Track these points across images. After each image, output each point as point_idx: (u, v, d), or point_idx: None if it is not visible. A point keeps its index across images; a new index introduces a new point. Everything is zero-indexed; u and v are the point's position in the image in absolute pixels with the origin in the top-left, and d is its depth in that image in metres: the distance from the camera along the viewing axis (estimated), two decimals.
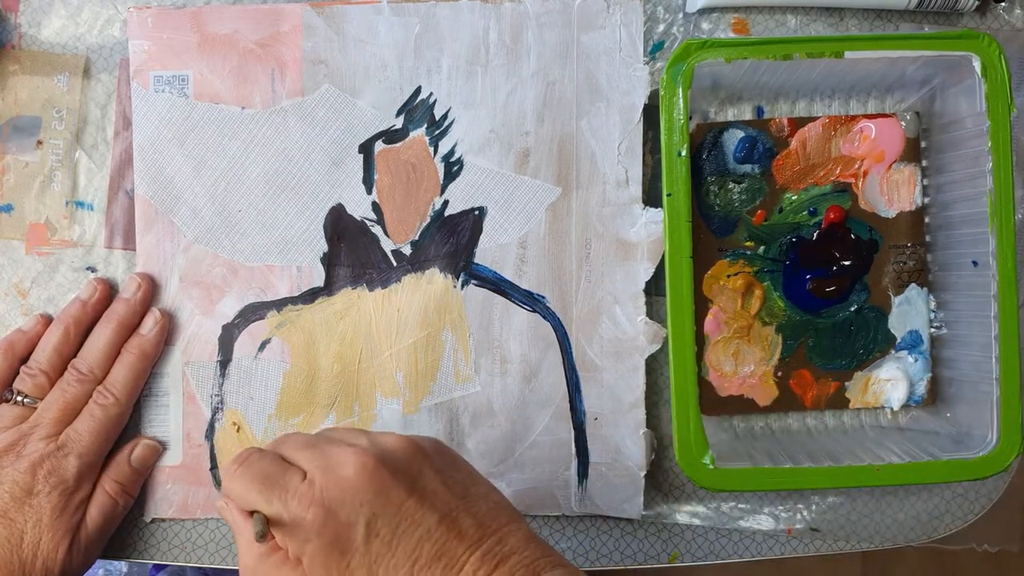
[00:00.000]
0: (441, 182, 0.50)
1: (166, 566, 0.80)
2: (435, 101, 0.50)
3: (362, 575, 0.35)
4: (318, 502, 0.35)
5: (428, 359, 0.50)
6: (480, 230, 0.50)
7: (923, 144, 0.51)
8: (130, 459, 0.48)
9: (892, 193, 0.51)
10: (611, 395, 0.50)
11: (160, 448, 0.49)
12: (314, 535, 0.35)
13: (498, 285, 0.50)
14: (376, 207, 0.50)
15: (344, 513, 0.35)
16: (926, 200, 0.51)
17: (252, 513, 0.37)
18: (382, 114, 0.50)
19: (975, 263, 0.48)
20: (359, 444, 0.38)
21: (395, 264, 0.50)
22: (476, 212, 0.50)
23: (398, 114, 0.50)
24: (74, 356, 0.48)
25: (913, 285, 0.51)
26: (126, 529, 0.50)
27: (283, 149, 0.50)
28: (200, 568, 0.74)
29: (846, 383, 0.51)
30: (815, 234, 0.51)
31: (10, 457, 0.45)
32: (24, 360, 0.48)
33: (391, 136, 0.50)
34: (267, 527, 0.35)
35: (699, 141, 0.50)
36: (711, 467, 0.46)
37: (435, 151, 0.50)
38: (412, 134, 0.50)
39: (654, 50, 0.50)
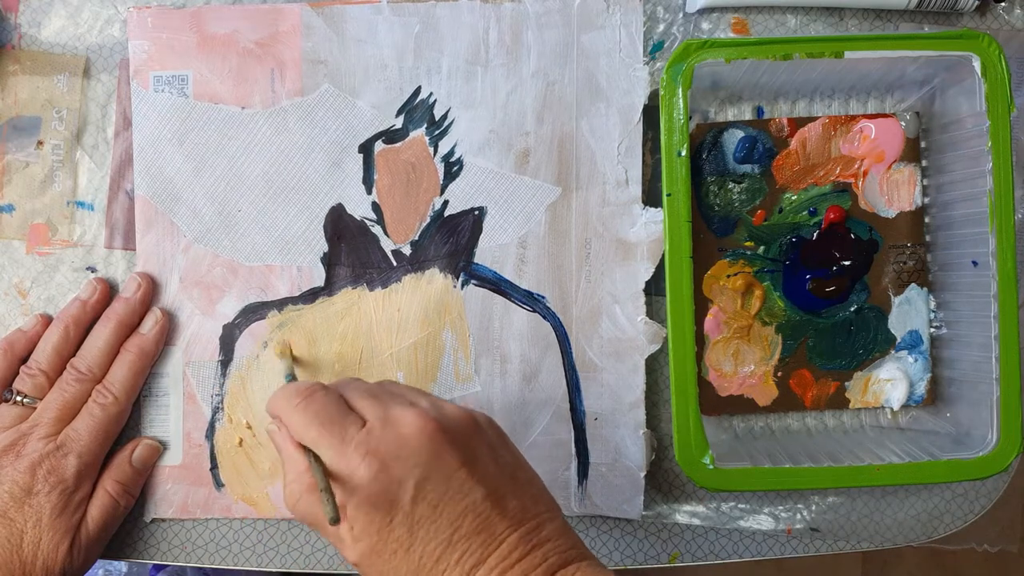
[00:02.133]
0: (441, 182, 0.50)
1: (166, 566, 0.80)
2: (435, 101, 0.50)
3: (402, 533, 0.36)
4: (373, 453, 0.36)
5: (428, 359, 0.50)
6: (480, 230, 0.50)
7: (923, 144, 0.51)
8: (131, 459, 0.48)
9: (892, 193, 0.51)
10: (611, 395, 0.50)
11: (161, 448, 0.49)
12: (364, 485, 0.36)
13: (498, 285, 0.50)
14: (376, 207, 0.50)
15: (397, 469, 0.36)
16: (926, 200, 0.51)
17: (306, 449, 0.37)
18: (382, 114, 0.50)
19: (975, 263, 0.48)
20: (420, 405, 0.38)
21: (395, 264, 0.50)
22: (476, 212, 0.50)
23: (398, 114, 0.50)
24: (74, 356, 0.48)
25: (913, 285, 0.51)
26: (126, 529, 0.50)
27: (283, 149, 0.50)
28: (200, 568, 0.75)
29: (846, 383, 0.51)
30: (815, 234, 0.51)
31: (10, 457, 0.45)
32: (24, 360, 0.48)
33: (391, 136, 0.50)
34: (337, 510, 0.35)
35: (699, 141, 0.50)
36: (711, 467, 0.46)
37: (435, 151, 0.50)
38: (412, 134, 0.50)
39: (654, 50, 0.50)
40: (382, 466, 0.36)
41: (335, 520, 0.35)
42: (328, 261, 0.50)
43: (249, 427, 0.49)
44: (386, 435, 0.36)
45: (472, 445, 0.38)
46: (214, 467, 0.50)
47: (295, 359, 0.48)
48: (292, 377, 0.46)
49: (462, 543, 0.35)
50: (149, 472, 0.49)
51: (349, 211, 0.50)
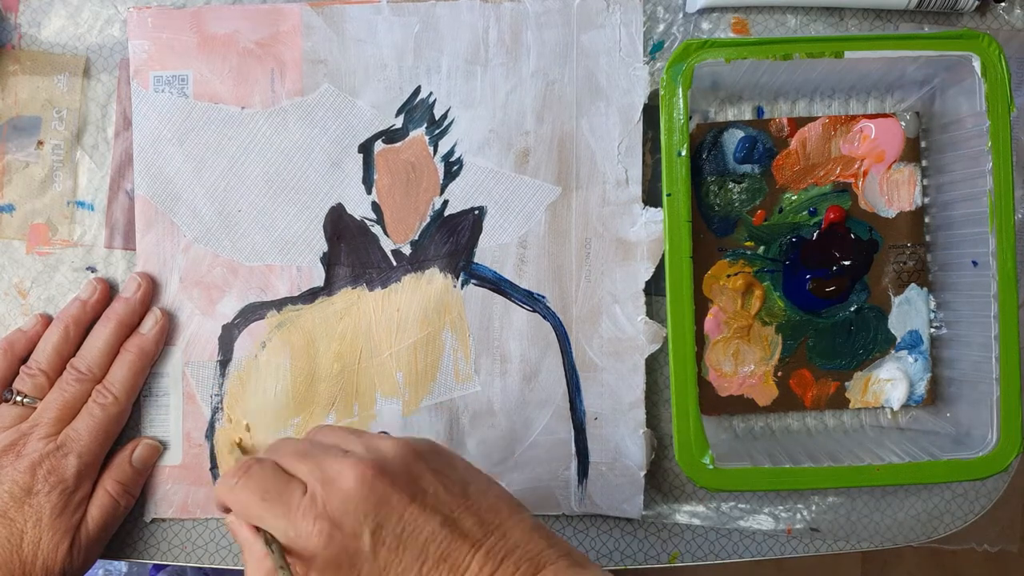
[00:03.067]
0: (441, 182, 0.50)
1: (166, 566, 0.80)
2: (435, 101, 0.50)
3: None
4: (321, 516, 0.35)
5: (428, 359, 0.50)
6: (480, 230, 0.50)
7: (923, 144, 0.51)
8: (131, 459, 0.48)
9: (892, 193, 0.51)
10: (611, 395, 0.50)
11: (161, 448, 0.49)
12: (321, 549, 0.35)
13: (498, 285, 0.50)
14: (376, 207, 0.50)
15: (348, 525, 0.35)
16: (926, 200, 0.51)
17: (258, 529, 0.37)
18: (382, 114, 0.50)
19: (975, 263, 0.48)
20: (355, 451, 0.38)
21: (395, 264, 0.50)
22: (476, 212, 0.50)
23: (398, 114, 0.50)
24: (74, 356, 0.48)
25: (913, 285, 0.51)
26: (126, 529, 0.50)
27: (283, 149, 0.50)
28: (200, 568, 0.75)
29: (846, 383, 0.51)
30: (815, 234, 0.51)
31: (10, 457, 0.45)
32: (24, 360, 0.48)
33: (391, 136, 0.50)
34: (288, 568, 0.35)
35: (699, 141, 0.50)
36: (711, 467, 0.46)
37: (435, 151, 0.50)
38: (412, 134, 0.50)
39: (654, 50, 0.50)
40: (334, 526, 0.35)
41: (272, 543, 0.35)
42: (328, 261, 0.50)
43: (248, 428, 0.49)
44: (329, 495, 0.36)
45: (415, 477, 0.37)
46: (214, 467, 0.50)
47: (243, 450, 0.47)
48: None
49: (432, 574, 0.35)
50: (149, 472, 0.49)
51: (349, 211, 0.50)
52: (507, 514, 0.37)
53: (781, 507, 0.51)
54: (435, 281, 0.50)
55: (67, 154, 0.50)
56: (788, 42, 0.47)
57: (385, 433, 0.40)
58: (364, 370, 0.50)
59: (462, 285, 0.50)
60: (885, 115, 0.50)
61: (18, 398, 0.47)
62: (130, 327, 0.48)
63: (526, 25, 0.50)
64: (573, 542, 0.51)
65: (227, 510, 0.39)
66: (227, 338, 0.50)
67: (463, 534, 0.36)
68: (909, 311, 0.51)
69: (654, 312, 0.50)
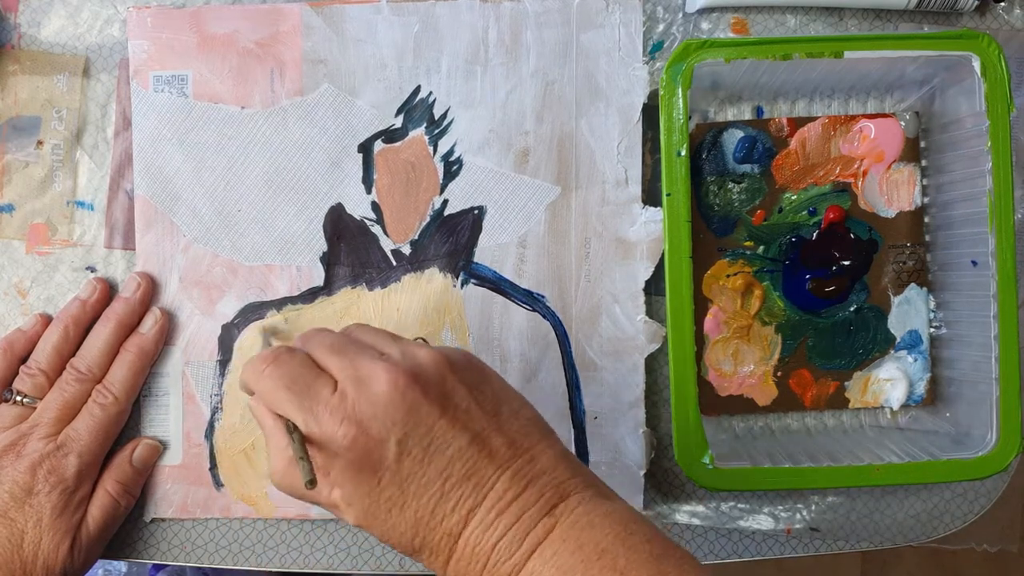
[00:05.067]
0: (440, 181, 0.50)
1: (166, 566, 0.80)
2: (434, 100, 0.50)
3: (393, 492, 0.35)
4: (350, 418, 0.35)
5: None
6: (480, 229, 0.50)
7: (923, 144, 0.51)
8: (131, 459, 0.48)
9: (892, 193, 0.51)
10: (611, 394, 0.50)
11: (160, 448, 0.49)
12: (344, 450, 0.35)
13: (498, 284, 0.50)
14: (375, 206, 0.50)
15: (375, 430, 0.35)
16: (926, 200, 0.51)
17: (282, 417, 0.36)
18: (381, 113, 0.50)
19: (975, 263, 0.48)
20: (390, 355, 0.37)
21: (395, 263, 0.50)
22: (475, 211, 0.50)
23: (397, 113, 0.50)
24: (73, 356, 0.48)
25: (913, 285, 0.51)
26: (126, 529, 0.50)
27: (282, 149, 0.50)
28: (200, 568, 0.74)
29: (846, 383, 0.51)
30: (815, 234, 0.51)
31: (10, 457, 0.45)
32: (24, 360, 0.48)
33: (390, 135, 0.50)
34: (314, 475, 0.34)
35: (699, 141, 0.50)
36: (711, 467, 0.46)
37: (434, 150, 0.50)
38: (411, 133, 0.50)
39: (654, 50, 0.50)
40: (360, 429, 0.35)
41: (311, 484, 0.34)
42: (327, 261, 0.50)
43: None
44: (359, 396, 0.35)
45: (448, 390, 0.36)
46: (213, 467, 0.50)
47: (272, 331, 0.46)
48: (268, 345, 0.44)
49: (455, 491, 0.35)
50: (149, 472, 0.49)
51: (349, 211, 0.50)
52: (537, 438, 0.37)
53: (781, 507, 0.51)
54: (435, 281, 0.50)
55: (67, 154, 0.50)
56: (788, 42, 0.47)
57: (423, 340, 0.39)
58: None
59: (462, 285, 0.50)
60: (885, 115, 0.50)
61: (18, 398, 0.47)
62: (130, 327, 0.48)
63: (526, 25, 0.50)
64: None
65: (251, 393, 0.38)
66: (227, 338, 0.50)
67: (491, 453, 0.36)
68: (909, 311, 0.51)
69: (654, 312, 0.50)
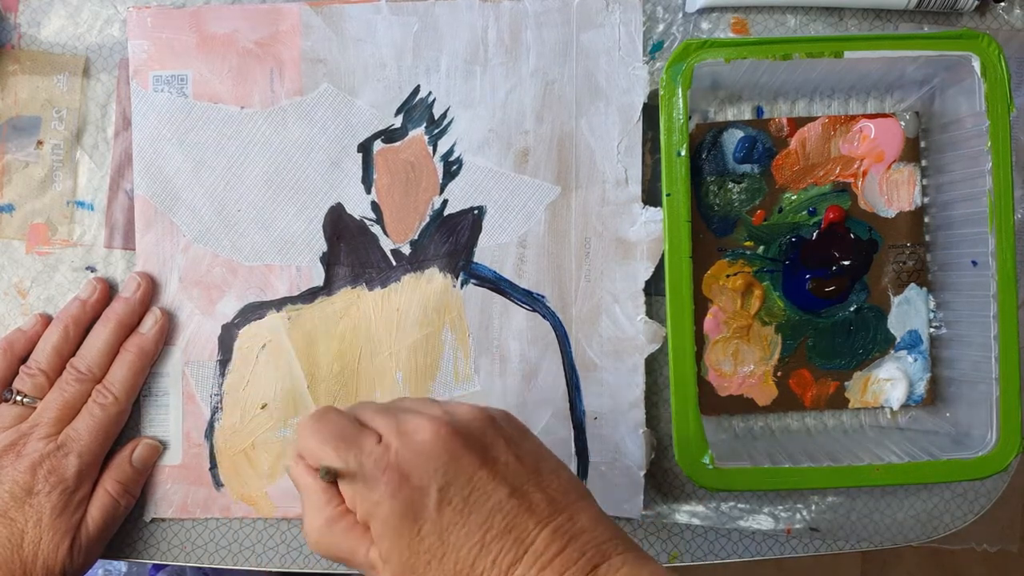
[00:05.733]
0: (440, 181, 0.50)
1: (166, 566, 0.80)
2: (434, 100, 0.50)
3: (432, 542, 0.35)
4: (393, 465, 0.35)
5: (428, 358, 0.50)
6: (479, 229, 0.50)
7: (923, 144, 0.51)
8: (131, 459, 0.48)
9: (892, 193, 0.51)
10: (611, 394, 0.50)
11: (160, 448, 0.49)
12: (387, 498, 0.35)
13: (497, 284, 0.50)
14: (375, 206, 0.50)
15: (417, 478, 0.35)
16: (926, 200, 0.51)
17: (320, 471, 0.36)
18: (381, 113, 0.50)
19: (974, 263, 0.48)
20: (433, 413, 0.38)
21: (394, 263, 0.50)
22: (475, 211, 0.50)
23: (397, 113, 0.50)
24: (73, 356, 0.48)
25: (912, 285, 0.51)
26: (126, 529, 0.50)
27: (282, 148, 0.50)
28: (200, 568, 0.74)
29: (846, 383, 0.51)
30: (815, 234, 0.51)
31: (10, 457, 0.45)
32: (24, 360, 0.48)
33: (390, 135, 0.50)
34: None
35: (699, 141, 0.50)
36: (710, 467, 0.46)
37: (434, 150, 0.50)
38: (411, 133, 0.50)
39: (654, 50, 0.50)
40: (402, 478, 0.35)
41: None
42: (327, 261, 0.50)
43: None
44: (403, 445, 0.36)
45: (489, 443, 0.37)
46: (213, 467, 0.50)
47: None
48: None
49: (495, 544, 0.35)
50: (149, 472, 0.49)
51: (348, 211, 0.50)
52: (575, 498, 0.37)
53: (781, 507, 0.51)
54: (435, 281, 0.50)
55: (67, 154, 0.50)
56: (788, 42, 0.47)
57: (464, 403, 0.40)
58: (364, 370, 0.50)
59: (462, 285, 0.50)
60: (885, 115, 0.50)
61: (18, 398, 0.47)
62: (130, 327, 0.48)
63: (525, 24, 0.50)
64: None
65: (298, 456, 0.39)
66: (227, 338, 0.50)
67: (531, 508, 0.36)
68: (909, 311, 0.51)
69: (654, 312, 0.50)
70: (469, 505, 0.35)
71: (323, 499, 0.37)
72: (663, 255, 0.48)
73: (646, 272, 0.50)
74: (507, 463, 0.37)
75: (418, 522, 0.35)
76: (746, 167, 0.50)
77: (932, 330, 0.51)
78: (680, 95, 0.46)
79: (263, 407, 0.49)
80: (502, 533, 0.35)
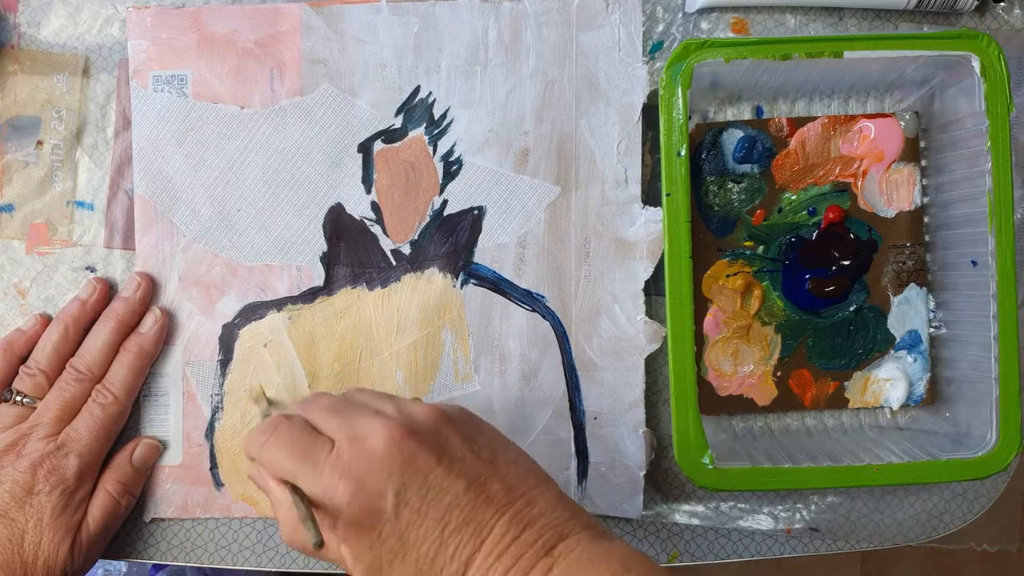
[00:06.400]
0: (440, 181, 0.50)
1: (166, 566, 0.80)
2: (434, 100, 0.50)
3: (393, 543, 0.35)
4: (347, 474, 0.36)
5: (427, 358, 0.50)
6: (479, 229, 0.50)
7: (922, 144, 0.51)
8: (131, 459, 0.48)
9: (891, 193, 0.51)
10: (611, 394, 0.50)
11: (161, 447, 0.49)
12: (344, 507, 0.35)
13: (497, 284, 0.50)
14: (375, 206, 0.50)
15: (373, 484, 0.35)
16: (925, 200, 0.51)
17: (285, 481, 0.37)
18: (381, 113, 0.50)
19: (974, 263, 0.48)
20: (386, 412, 0.38)
21: (394, 263, 0.50)
22: (475, 211, 0.50)
23: (397, 113, 0.50)
24: (73, 356, 0.48)
25: (912, 285, 0.51)
26: (126, 529, 0.50)
27: (282, 149, 0.50)
28: (200, 568, 0.74)
29: (845, 383, 0.51)
30: (814, 234, 0.51)
31: (10, 457, 0.45)
32: (23, 360, 0.48)
33: (390, 135, 0.50)
34: (320, 536, 0.35)
35: (698, 141, 0.50)
36: (710, 467, 0.46)
37: (434, 150, 0.50)
38: (411, 133, 0.50)
39: (653, 50, 0.50)
40: (358, 484, 0.35)
41: (319, 545, 0.35)
42: (327, 261, 0.50)
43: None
44: (356, 452, 0.36)
45: (444, 440, 0.37)
46: (214, 467, 0.50)
47: (269, 401, 0.47)
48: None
49: (453, 538, 0.35)
50: (149, 472, 0.49)
51: (348, 211, 0.50)
52: (534, 483, 0.37)
53: (781, 507, 0.51)
54: (435, 281, 0.50)
55: (67, 154, 0.50)
56: (787, 42, 0.47)
57: (417, 399, 0.40)
58: (364, 369, 0.50)
59: (461, 285, 0.50)
60: (884, 115, 0.50)
61: (18, 398, 0.47)
62: (130, 327, 0.48)
63: (525, 25, 0.50)
64: None
65: (253, 459, 0.39)
66: (227, 337, 0.50)
67: (488, 499, 0.36)
68: (908, 311, 0.51)
69: (653, 312, 0.50)
70: (426, 504, 0.36)
71: (289, 500, 0.37)
72: (663, 255, 0.48)
73: (646, 272, 0.50)
74: (463, 458, 0.37)
75: (377, 526, 0.35)
76: (746, 167, 0.50)
77: (932, 330, 0.51)
78: (680, 95, 0.46)
79: (260, 394, 0.48)
80: (460, 526, 0.35)
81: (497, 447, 0.38)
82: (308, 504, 0.36)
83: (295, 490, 0.36)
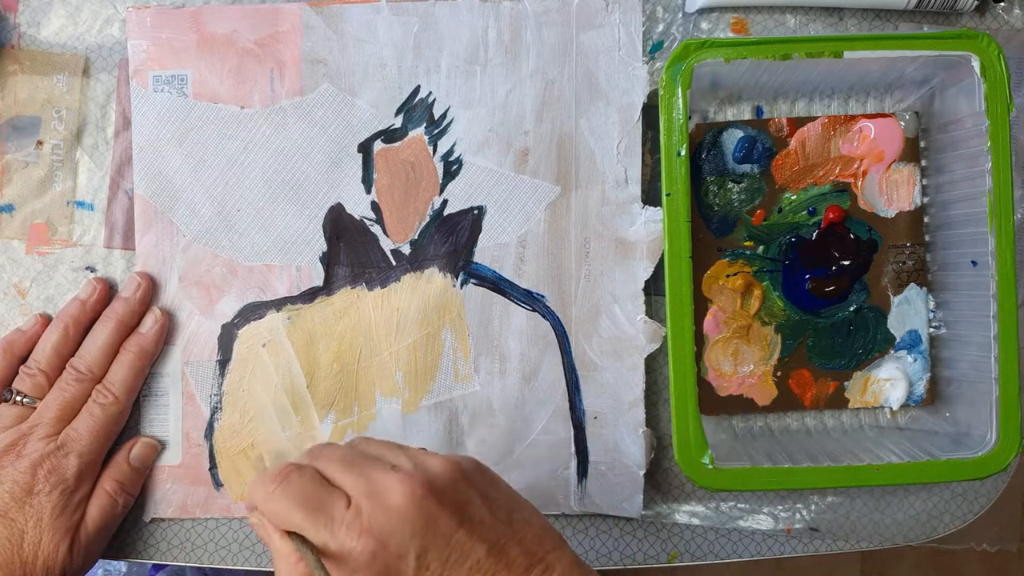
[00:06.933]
0: (440, 181, 0.50)
1: (165, 566, 0.80)
2: (434, 100, 0.50)
3: None
4: (367, 532, 0.35)
5: (427, 358, 0.50)
6: (479, 229, 0.50)
7: (922, 144, 0.51)
8: (129, 458, 0.48)
9: (891, 193, 0.51)
10: (610, 394, 0.50)
11: (159, 446, 0.49)
12: (363, 566, 0.34)
13: (497, 284, 0.50)
14: (375, 206, 0.50)
15: (394, 544, 0.35)
16: (925, 200, 0.51)
17: (291, 534, 0.35)
18: (381, 113, 0.50)
19: (974, 263, 0.48)
20: (402, 466, 0.37)
21: (394, 263, 0.50)
22: (475, 211, 0.50)
23: (397, 113, 0.50)
24: (73, 356, 0.48)
25: (912, 285, 0.51)
26: (126, 529, 0.50)
27: (282, 148, 0.50)
28: (199, 568, 0.74)
29: (845, 383, 0.51)
30: (814, 234, 0.51)
31: (10, 457, 0.45)
32: (23, 360, 0.48)
33: (390, 135, 0.50)
34: (308, 543, 0.34)
35: (698, 141, 0.50)
36: (710, 467, 0.46)
37: (434, 150, 0.50)
38: (411, 133, 0.50)
39: (653, 50, 0.50)
40: (379, 544, 0.34)
41: (302, 543, 0.34)
42: (327, 261, 0.50)
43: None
44: (375, 510, 0.35)
45: (463, 500, 0.36)
46: (213, 467, 0.50)
47: (279, 456, 0.45)
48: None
49: None
50: (148, 471, 0.49)
51: (348, 210, 0.50)
52: (550, 546, 0.37)
53: (780, 507, 0.51)
54: (434, 281, 0.50)
55: (67, 154, 0.50)
56: (787, 42, 0.47)
57: (424, 449, 0.39)
58: (364, 369, 0.50)
59: (461, 284, 0.50)
60: (884, 115, 0.50)
61: (18, 398, 0.47)
62: (130, 327, 0.48)
63: (525, 25, 0.50)
64: (572, 542, 0.51)
65: (254, 508, 0.38)
66: (227, 337, 0.50)
67: (508, 564, 0.35)
68: (908, 311, 0.51)
69: (653, 312, 0.50)
70: (447, 568, 0.35)
71: (294, 558, 0.36)
72: (663, 255, 0.48)
73: (646, 272, 0.50)
74: (482, 520, 0.36)
75: None
76: (746, 167, 0.50)
77: (932, 330, 0.51)
78: (680, 95, 0.46)
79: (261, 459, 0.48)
80: None
81: (513, 506, 0.38)
82: (320, 561, 0.35)
83: (304, 542, 0.35)
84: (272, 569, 0.50)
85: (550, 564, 0.36)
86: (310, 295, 0.50)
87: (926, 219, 0.51)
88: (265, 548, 0.50)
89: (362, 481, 0.36)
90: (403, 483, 0.35)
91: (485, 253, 0.50)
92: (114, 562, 0.83)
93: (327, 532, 0.35)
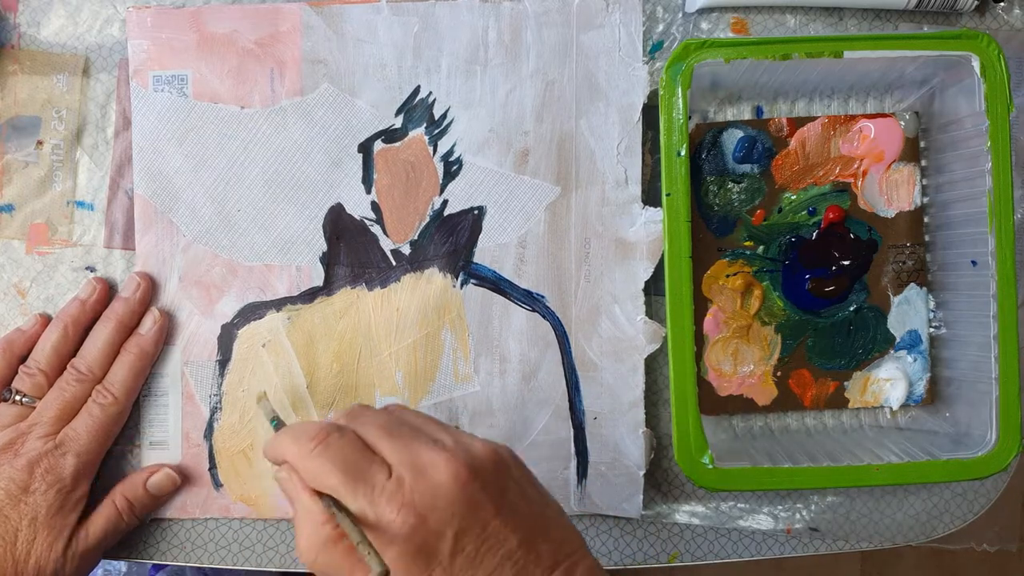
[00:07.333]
0: (440, 181, 0.50)
1: (165, 566, 0.80)
2: (434, 100, 0.50)
3: None
4: (408, 506, 0.34)
5: (427, 358, 0.50)
6: (479, 229, 0.50)
7: (922, 144, 0.51)
8: (146, 483, 0.48)
9: (891, 193, 0.51)
10: (610, 394, 0.50)
11: (178, 481, 0.49)
12: (400, 539, 0.34)
13: (497, 284, 0.50)
14: (375, 206, 0.50)
15: (434, 521, 0.35)
16: (925, 200, 0.51)
17: (320, 494, 0.35)
18: (381, 113, 0.50)
19: (974, 263, 0.48)
20: (445, 444, 0.36)
21: (394, 263, 0.50)
22: (475, 211, 0.50)
23: (397, 113, 0.50)
24: (73, 356, 0.48)
25: (912, 285, 0.51)
26: None
27: (282, 149, 0.50)
28: (199, 568, 0.74)
29: (845, 383, 0.51)
30: (814, 234, 0.51)
31: (8, 455, 0.45)
32: (23, 359, 0.48)
33: (390, 135, 0.50)
34: (385, 565, 0.33)
35: (698, 141, 0.50)
36: (710, 467, 0.46)
37: (434, 150, 0.50)
38: (411, 133, 0.50)
39: (653, 50, 0.50)
40: (419, 519, 0.34)
41: (386, 574, 0.33)
42: (327, 261, 0.50)
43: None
44: (419, 485, 0.35)
45: (503, 488, 0.36)
46: (213, 467, 0.50)
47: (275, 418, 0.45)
48: (277, 420, 0.44)
49: None
50: (161, 502, 0.49)
51: (348, 211, 0.50)
52: (575, 547, 0.37)
53: (781, 507, 0.51)
54: (434, 281, 0.50)
55: (67, 154, 0.50)
56: (787, 42, 0.47)
57: (458, 427, 0.39)
58: (363, 369, 0.50)
59: (461, 285, 0.50)
60: (884, 115, 0.50)
61: (17, 397, 0.47)
62: (129, 327, 0.48)
63: (526, 25, 0.50)
64: None
65: (278, 463, 0.37)
66: (226, 338, 0.50)
67: (537, 558, 0.36)
68: (908, 311, 0.51)
69: (653, 312, 0.50)
70: (481, 554, 0.35)
71: (321, 518, 0.35)
72: (663, 255, 0.48)
73: (646, 272, 0.50)
74: (518, 510, 0.36)
75: (430, 566, 0.35)
76: (746, 167, 0.50)
77: (932, 330, 0.51)
78: (680, 95, 0.46)
79: (262, 395, 0.48)
80: None
81: (545, 502, 0.38)
82: (359, 525, 0.34)
83: (341, 508, 0.35)
84: (272, 568, 0.50)
85: (574, 564, 0.36)
86: (310, 295, 0.50)
87: (926, 219, 0.51)
88: (266, 546, 0.50)
89: (406, 453, 0.36)
90: (448, 462, 0.35)
91: (485, 253, 0.50)
92: (114, 562, 0.83)
93: (365, 500, 0.35)
